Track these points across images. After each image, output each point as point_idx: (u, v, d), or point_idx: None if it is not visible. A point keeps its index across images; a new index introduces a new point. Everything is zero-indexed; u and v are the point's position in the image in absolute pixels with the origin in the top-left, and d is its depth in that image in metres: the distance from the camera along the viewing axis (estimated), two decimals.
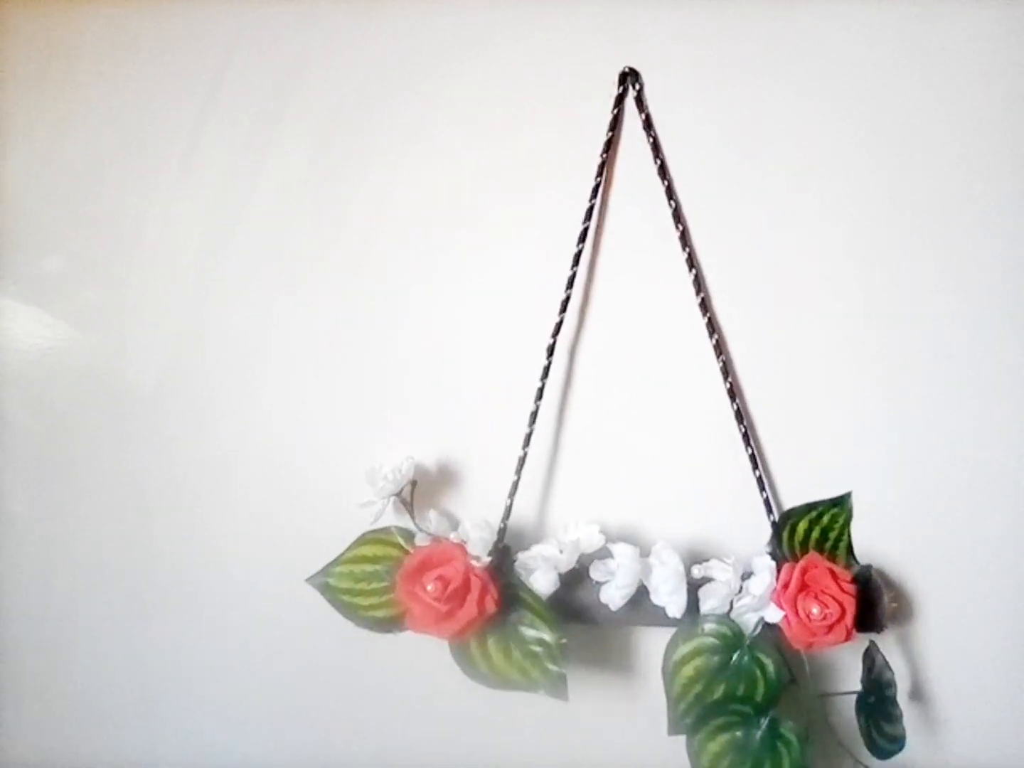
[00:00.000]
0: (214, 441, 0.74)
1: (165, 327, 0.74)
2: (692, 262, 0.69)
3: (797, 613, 0.64)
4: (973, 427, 0.70)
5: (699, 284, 0.69)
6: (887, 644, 0.70)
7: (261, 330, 0.73)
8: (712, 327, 0.69)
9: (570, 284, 0.69)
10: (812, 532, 0.68)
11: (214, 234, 0.73)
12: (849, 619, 0.64)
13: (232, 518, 0.74)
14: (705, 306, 0.69)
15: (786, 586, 0.65)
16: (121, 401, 0.75)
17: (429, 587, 0.63)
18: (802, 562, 0.65)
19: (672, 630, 0.67)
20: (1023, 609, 0.71)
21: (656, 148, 0.68)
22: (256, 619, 0.74)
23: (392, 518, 0.70)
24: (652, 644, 0.70)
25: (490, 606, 0.64)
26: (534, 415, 0.69)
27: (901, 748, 0.66)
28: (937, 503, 0.71)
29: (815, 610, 0.64)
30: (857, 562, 0.68)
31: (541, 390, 0.69)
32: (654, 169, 0.68)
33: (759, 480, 0.69)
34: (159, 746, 0.78)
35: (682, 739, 0.66)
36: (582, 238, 0.68)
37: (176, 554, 0.75)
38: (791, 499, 0.70)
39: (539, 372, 0.69)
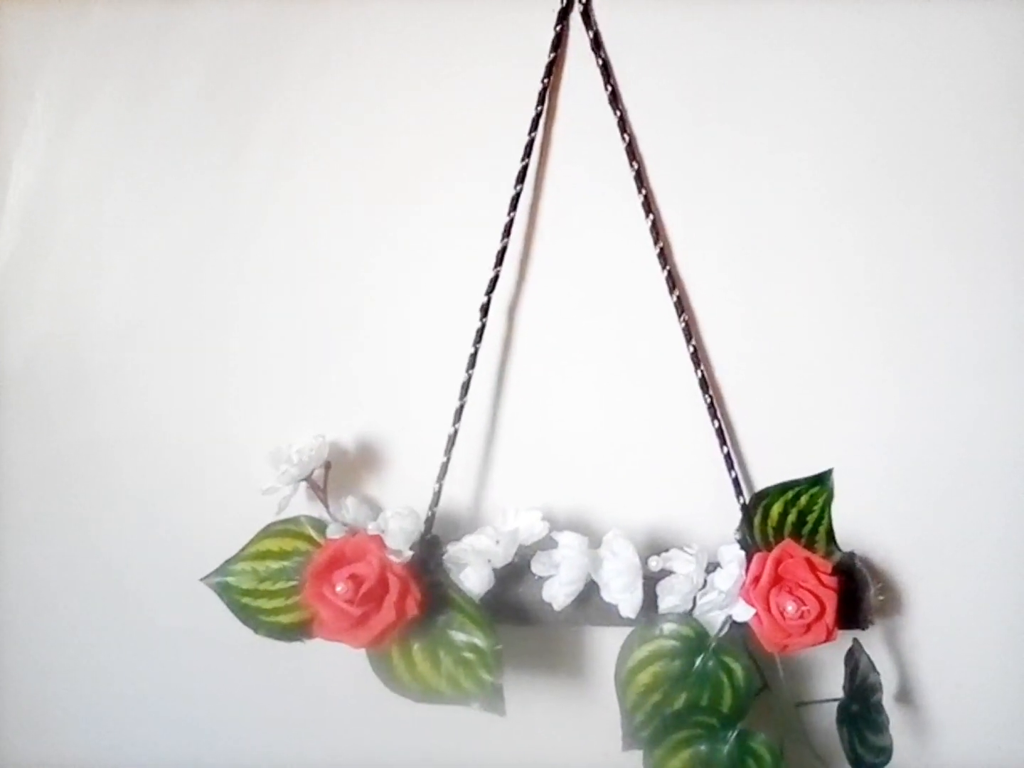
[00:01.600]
0: (93, 422, 0.65)
1: (37, 296, 0.65)
2: (649, 206, 0.59)
3: (770, 611, 0.56)
4: (967, 400, 0.62)
5: (657, 232, 0.59)
6: (872, 641, 0.63)
7: (145, 296, 0.64)
8: (673, 282, 0.60)
9: (507, 232, 0.59)
10: (788, 515, 0.60)
11: (94, 195, 0.64)
12: (830, 617, 0.56)
13: (115, 509, 0.65)
14: (664, 258, 0.59)
15: (757, 579, 0.56)
16: None
17: (339, 588, 0.54)
18: (775, 551, 0.57)
19: (627, 631, 0.59)
20: (1022, 599, 0.63)
21: (607, 72, 0.58)
22: (145, 625, 0.66)
23: (304, 506, 0.61)
24: (604, 647, 0.62)
25: (411, 609, 0.55)
26: (466, 386, 0.60)
27: (887, 761, 0.59)
28: (928, 482, 0.63)
29: (790, 607, 0.55)
30: (839, 549, 0.61)
31: (474, 357, 0.60)
32: (604, 97, 0.58)
33: (727, 457, 0.61)
34: None
35: (639, 755, 0.58)
36: (520, 178, 0.59)
37: (49, 551, 0.66)
38: (764, 479, 0.62)
39: (472, 336, 0.60)
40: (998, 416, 0.62)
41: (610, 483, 0.63)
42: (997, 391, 0.62)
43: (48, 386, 0.65)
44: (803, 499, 0.61)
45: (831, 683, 0.61)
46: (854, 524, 0.62)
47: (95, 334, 0.65)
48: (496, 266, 0.59)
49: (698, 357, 0.60)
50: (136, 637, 0.67)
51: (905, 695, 0.65)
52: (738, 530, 0.60)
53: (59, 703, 0.70)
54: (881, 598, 0.61)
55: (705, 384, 0.60)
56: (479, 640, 0.56)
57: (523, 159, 0.59)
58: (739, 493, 0.61)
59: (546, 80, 0.59)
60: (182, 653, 0.66)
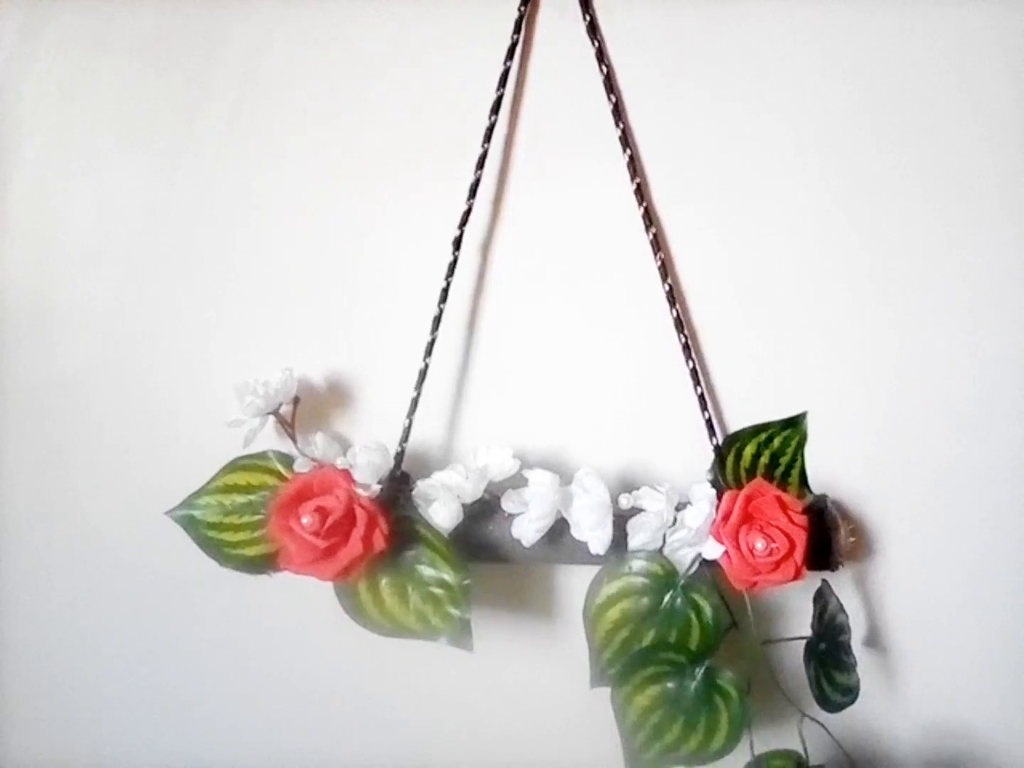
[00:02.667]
0: (58, 356, 0.63)
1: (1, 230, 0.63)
2: (627, 140, 0.58)
3: (739, 548, 0.56)
4: (943, 346, 0.62)
5: (635, 167, 0.58)
6: (841, 584, 0.62)
7: (111, 230, 0.62)
8: (649, 218, 0.58)
9: (480, 164, 0.58)
10: (761, 458, 0.60)
11: (58, 125, 0.62)
12: (799, 555, 0.55)
13: (81, 444, 0.64)
14: (641, 193, 0.58)
15: (727, 517, 0.56)
16: None
17: (306, 520, 0.53)
18: (746, 489, 0.57)
19: (596, 570, 0.58)
20: (993, 547, 0.64)
21: None
22: (113, 559, 0.65)
23: (273, 443, 0.60)
24: (573, 585, 0.61)
25: (379, 542, 0.54)
26: (437, 320, 0.58)
27: (854, 700, 0.59)
28: (902, 428, 0.63)
29: (760, 544, 0.55)
30: (811, 492, 0.60)
31: (446, 291, 0.58)
32: (583, 26, 0.57)
33: (701, 398, 0.60)
34: None
35: (606, 692, 0.58)
36: (495, 108, 0.57)
37: (15, 486, 0.65)
38: (737, 421, 0.61)
39: (444, 270, 0.58)
40: (974, 363, 0.62)
41: (582, 422, 0.62)
42: (973, 338, 0.62)
43: (13, 321, 0.63)
44: (776, 441, 0.60)
45: (799, 624, 0.61)
46: (827, 468, 0.62)
47: (60, 269, 0.63)
48: (469, 199, 0.58)
49: (674, 296, 0.59)
50: (102, 572, 0.66)
51: (874, 639, 0.65)
52: (710, 471, 0.60)
53: (22, 637, 0.69)
54: (851, 540, 0.60)
55: (680, 324, 0.60)
56: (448, 575, 0.56)
57: (497, 88, 0.57)
58: (712, 434, 0.60)
59: (522, 8, 0.57)
60: (148, 588, 0.65)
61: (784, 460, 0.61)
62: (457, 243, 0.58)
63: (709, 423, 0.60)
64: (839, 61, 0.59)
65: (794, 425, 0.60)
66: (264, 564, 0.56)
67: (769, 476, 0.60)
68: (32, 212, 0.63)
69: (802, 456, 0.60)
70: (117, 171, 0.62)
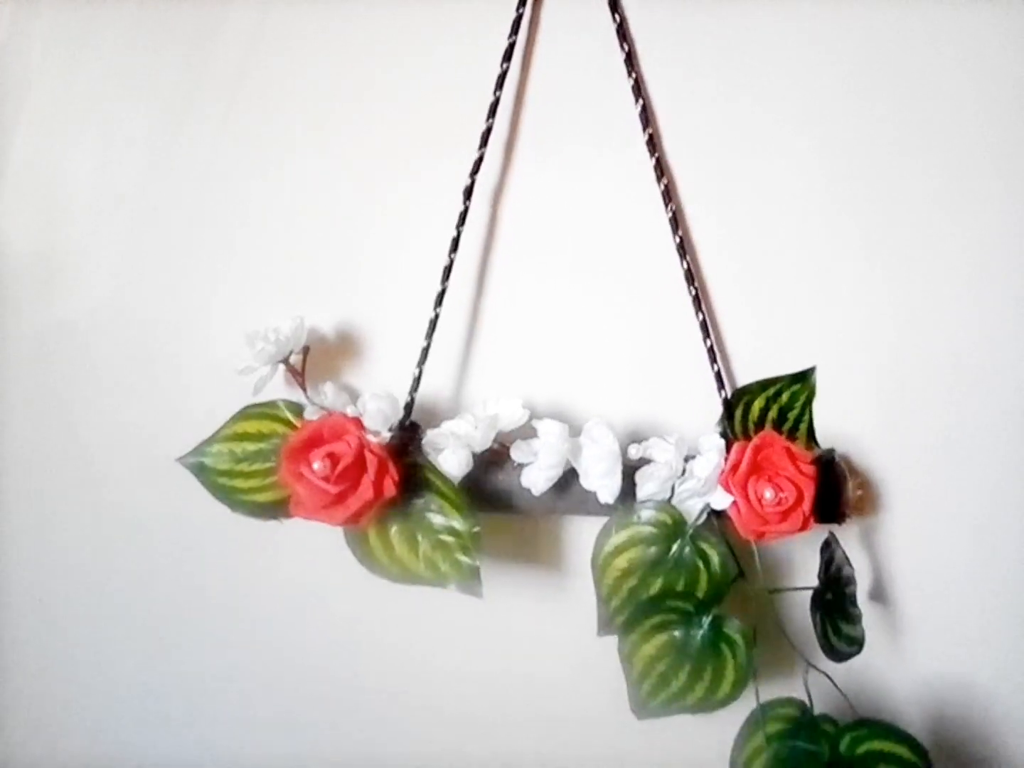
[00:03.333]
0: (66, 305, 0.63)
1: (6, 177, 0.63)
2: (639, 90, 0.58)
3: (748, 498, 0.56)
4: (952, 303, 0.62)
5: (647, 117, 0.58)
6: (848, 539, 0.63)
7: (119, 176, 0.62)
8: (661, 169, 0.58)
9: (492, 113, 0.57)
10: (769, 412, 0.60)
11: (64, 70, 0.61)
12: (807, 505, 0.56)
13: (91, 392, 0.65)
14: (653, 144, 0.58)
15: (736, 467, 0.56)
16: None
17: (316, 465, 0.53)
18: (755, 440, 0.57)
19: (604, 520, 0.59)
20: (998, 505, 0.64)
21: None
22: (122, 506, 0.65)
23: (283, 392, 0.60)
24: (582, 536, 0.61)
25: (389, 488, 0.54)
26: (448, 270, 0.58)
27: (859, 651, 0.59)
28: (911, 385, 0.63)
29: (768, 494, 0.55)
30: (819, 446, 0.60)
31: (456, 240, 0.58)
32: None
33: (710, 351, 0.60)
34: None
35: (613, 641, 0.58)
36: (507, 56, 0.57)
37: (24, 435, 0.65)
38: (747, 374, 0.61)
39: (455, 219, 0.58)
40: (982, 320, 0.62)
41: (592, 374, 0.62)
42: (983, 294, 0.61)
43: (22, 271, 0.64)
44: (785, 396, 0.60)
45: (806, 576, 0.61)
46: (835, 423, 0.62)
47: (67, 219, 0.64)
48: (480, 148, 0.58)
49: (684, 248, 0.59)
50: (111, 521, 0.67)
51: (879, 593, 0.65)
52: (719, 423, 0.60)
53: (27, 586, 0.70)
54: (859, 493, 0.61)
55: (691, 276, 0.59)
56: (457, 523, 0.56)
57: (509, 36, 0.57)
58: (721, 387, 0.61)
59: None
60: (157, 536, 0.66)
61: (792, 415, 0.61)
62: (468, 192, 0.58)
63: (718, 376, 0.60)
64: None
65: (803, 380, 0.60)
66: (275, 510, 0.57)
67: (777, 430, 0.60)
68: (39, 164, 0.63)
69: (810, 411, 0.60)
70: (124, 121, 0.62)
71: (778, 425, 0.60)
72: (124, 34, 0.61)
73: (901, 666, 0.66)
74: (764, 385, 0.60)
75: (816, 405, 0.60)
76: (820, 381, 0.60)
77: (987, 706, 0.66)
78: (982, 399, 0.63)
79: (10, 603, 0.70)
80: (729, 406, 0.60)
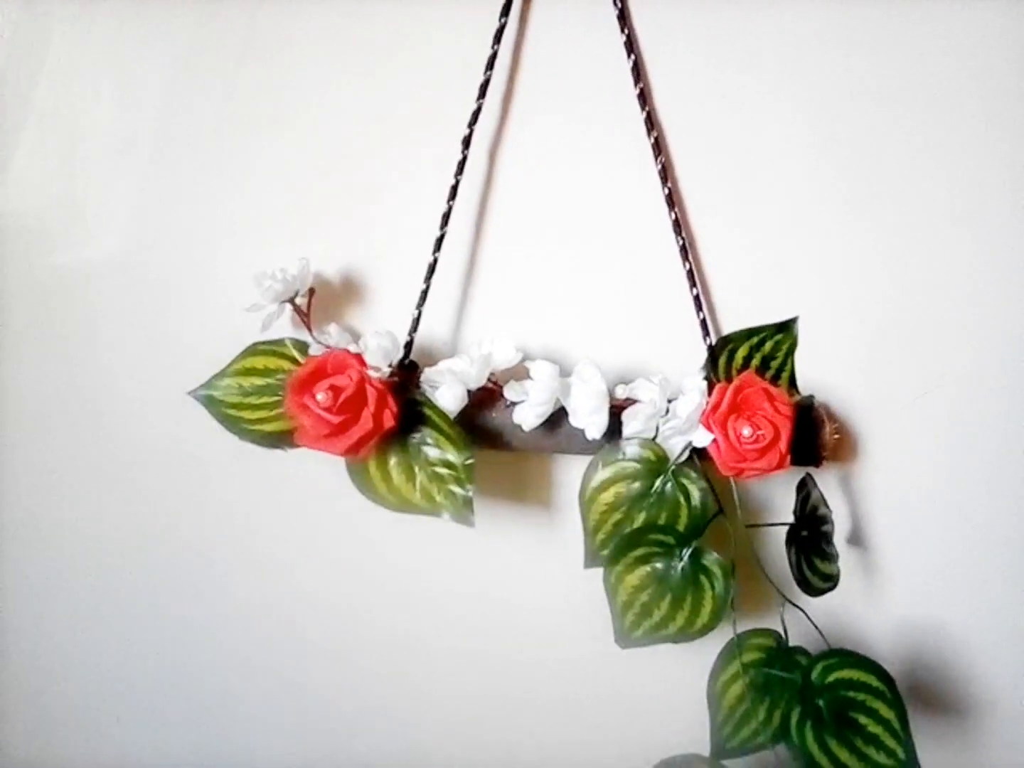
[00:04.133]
0: (79, 245, 0.67)
1: (28, 118, 0.66)
2: (631, 47, 0.60)
3: (727, 436, 0.59)
4: (932, 255, 0.63)
5: (638, 72, 0.60)
6: (828, 485, 0.66)
7: (135, 120, 0.65)
8: (651, 123, 0.61)
9: (490, 65, 0.60)
10: (752, 360, 0.62)
11: (84, 15, 0.64)
12: (784, 443, 0.58)
13: (105, 329, 0.68)
14: (644, 99, 0.60)
15: (717, 407, 0.59)
16: None
17: (320, 397, 0.56)
18: (736, 381, 0.59)
19: (592, 457, 0.61)
20: (973, 454, 0.66)
21: None
22: (136, 438, 0.69)
23: (289, 332, 0.63)
24: (570, 473, 0.65)
25: (388, 420, 0.58)
26: (446, 216, 0.61)
27: (834, 586, 0.62)
28: (892, 336, 0.65)
29: (747, 431, 0.58)
30: (800, 393, 0.63)
31: (455, 188, 0.61)
32: None
33: (696, 300, 0.62)
34: None
35: (599, 572, 0.61)
36: (505, 10, 0.59)
37: (48, 370, 0.69)
38: (732, 323, 0.64)
39: (453, 168, 0.61)
40: (961, 271, 0.63)
41: (583, 319, 0.65)
42: (962, 246, 0.63)
43: (39, 214, 0.67)
44: (768, 345, 0.63)
45: (784, 516, 0.63)
46: (816, 372, 0.64)
47: (85, 165, 0.67)
48: (479, 99, 0.60)
49: (672, 199, 0.62)
50: (125, 450, 0.70)
51: (856, 537, 0.68)
52: (703, 368, 0.63)
53: (42, 511, 0.74)
54: (836, 437, 0.63)
55: (678, 226, 0.62)
56: (452, 455, 0.59)
57: None
58: (706, 334, 0.63)
59: None
60: (169, 468, 0.70)
61: (775, 363, 0.63)
62: (467, 142, 0.61)
63: (703, 323, 0.63)
64: None
65: (785, 330, 0.62)
66: (280, 439, 0.60)
67: (760, 377, 0.62)
68: (56, 115, 0.66)
69: (792, 360, 0.63)
70: (137, 73, 0.65)
71: (761, 372, 0.62)
72: None
73: (876, 607, 0.69)
74: (748, 334, 0.62)
75: (798, 354, 0.62)
76: (803, 331, 0.62)
77: (959, 646, 0.69)
78: (960, 352, 0.65)
79: (18, 535, 0.74)
80: (713, 353, 0.62)
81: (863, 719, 0.59)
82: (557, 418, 0.61)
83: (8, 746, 0.79)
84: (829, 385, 0.65)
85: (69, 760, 0.80)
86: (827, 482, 0.66)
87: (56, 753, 0.80)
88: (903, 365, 0.65)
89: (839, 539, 0.66)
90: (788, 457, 0.59)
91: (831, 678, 0.60)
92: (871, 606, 0.69)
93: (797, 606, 0.63)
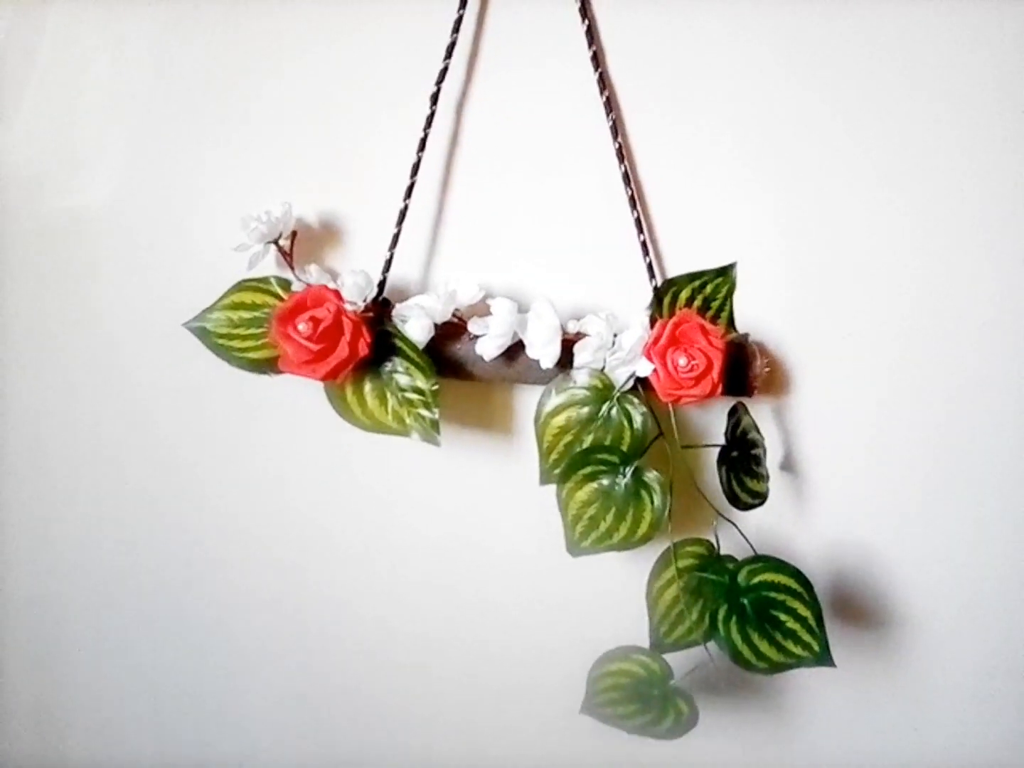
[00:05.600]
0: (85, 189, 0.73)
1: (30, 81, 0.71)
2: (585, 11, 0.65)
3: (666, 365, 0.65)
4: (862, 206, 0.69)
5: (591, 34, 0.66)
6: (763, 417, 0.72)
7: (126, 77, 0.71)
8: (603, 82, 0.66)
9: (456, 28, 0.65)
10: (694, 301, 0.68)
11: None
12: (716, 372, 0.65)
13: (109, 267, 0.74)
14: (597, 60, 0.66)
15: (657, 340, 0.66)
16: None
17: (301, 327, 0.63)
18: (675, 318, 0.66)
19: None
20: (897, 388, 0.72)
21: None
22: (129, 373, 0.76)
23: (273, 271, 0.69)
24: (527, 400, 0.71)
25: (363, 349, 0.64)
26: (416, 167, 0.67)
27: (762, 502, 0.68)
28: (822, 280, 0.70)
29: (682, 361, 0.64)
30: (737, 332, 0.69)
31: (424, 141, 0.67)
32: None
33: (643, 245, 0.68)
34: None
35: (553, 489, 0.67)
36: None
37: (48, 304, 0.75)
38: (676, 267, 0.70)
39: (423, 123, 0.67)
40: (886, 218, 0.68)
41: (540, 263, 0.71)
42: (891, 195, 0.68)
43: (44, 159, 0.73)
44: (708, 288, 0.68)
45: (718, 439, 0.69)
46: (753, 312, 0.70)
47: (83, 115, 0.72)
48: (445, 59, 0.66)
49: (622, 153, 0.68)
50: (122, 381, 0.77)
51: (788, 464, 0.74)
52: (648, 308, 0.69)
53: (45, 442, 0.80)
54: (767, 370, 0.69)
55: (628, 178, 0.68)
56: (420, 382, 0.66)
57: None
58: (652, 277, 0.69)
59: None
60: (163, 398, 0.77)
61: (715, 304, 0.68)
62: (434, 99, 0.66)
63: (650, 267, 0.69)
64: None
65: (725, 274, 0.67)
66: (266, 366, 0.67)
67: (698, 315, 0.68)
68: (58, 70, 0.72)
69: (730, 301, 0.68)
70: (134, 30, 0.70)
71: (701, 313, 0.68)
72: None
73: (805, 527, 0.75)
74: (691, 277, 0.68)
75: (737, 297, 0.68)
76: (741, 276, 0.67)
77: (879, 563, 0.75)
78: (884, 296, 0.70)
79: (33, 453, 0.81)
80: (658, 294, 0.68)
81: (783, 616, 0.66)
82: (515, 350, 0.67)
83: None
84: (765, 325, 0.71)
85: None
86: (762, 414, 0.72)
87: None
88: (833, 307, 0.71)
89: (773, 466, 0.72)
90: (720, 385, 0.65)
91: (755, 580, 0.67)
92: (800, 526, 0.75)
93: (729, 520, 0.70)
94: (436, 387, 0.65)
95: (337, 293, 0.65)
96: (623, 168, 0.68)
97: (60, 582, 0.83)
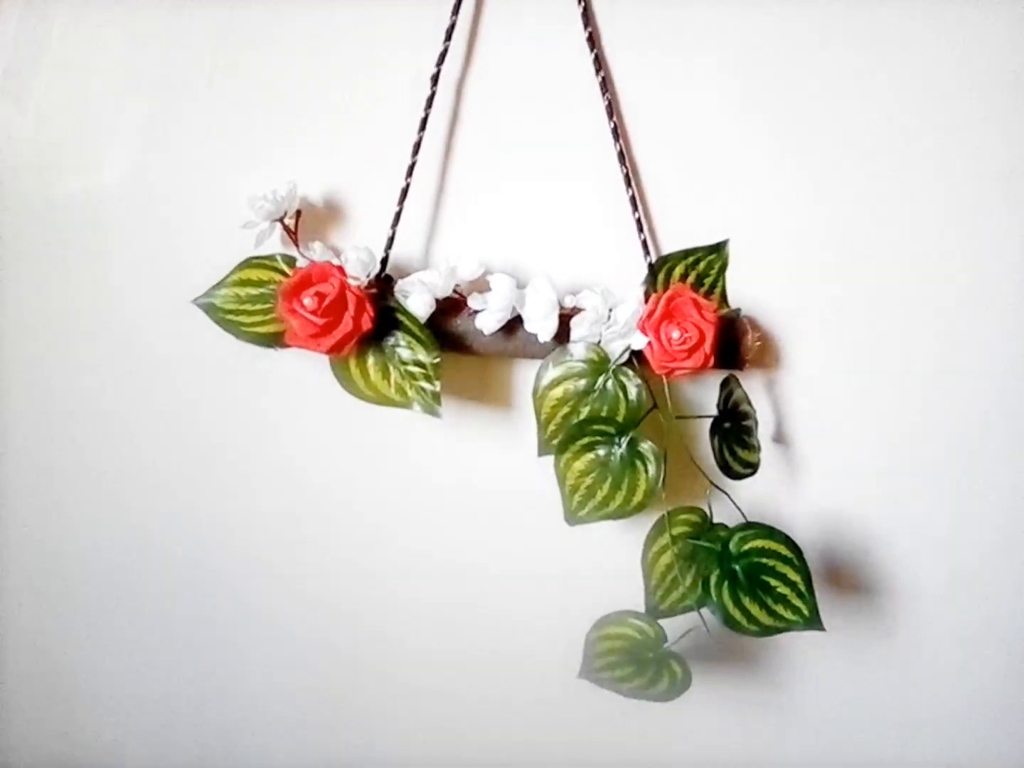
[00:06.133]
0: (100, 171, 0.74)
1: (45, 65, 0.73)
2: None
3: (660, 338, 0.67)
4: (850, 186, 0.71)
5: (587, 18, 0.68)
6: (755, 390, 0.74)
7: (137, 64, 0.73)
8: (599, 63, 0.68)
9: (456, 11, 0.67)
10: (688, 277, 0.70)
11: None
12: (708, 345, 0.67)
13: (120, 248, 0.76)
14: (593, 41, 0.68)
15: (651, 314, 0.68)
16: None
17: (307, 301, 0.65)
18: (668, 292, 0.68)
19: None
20: (885, 364, 0.74)
21: None
22: (140, 349, 0.78)
23: (279, 249, 0.71)
24: (525, 373, 0.73)
25: (366, 323, 0.66)
26: (417, 146, 0.69)
27: (753, 472, 0.71)
28: (812, 258, 0.72)
29: (676, 334, 0.67)
30: (729, 307, 0.71)
31: (425, 120, 0.69)
32: None
33: (638, 222, 0.70)
34: None
35: (551, 460, 0.69)
36: None
37: (63, 285, 0.77)
38: (670, 244, 0.72)
39: (424, 103, 0.69)
40: (882, 194, 0.70)
41: (539, 240, 0.72)
42: (885, 170, 0.70)
43: (58, 143, 0.75)
44: (702, 264, 0.70)
45: (711, 411, 0.71)
46: (746, 288, 0.72)
47: (95, 98, 0.74)
48: (445, 41, 0.68)
49: (618, 133, 0.69)
50: (134, 355, 0.79)
51: (780, 437, 0.76)
52: (643, 283, 0.71)
53: (63, 409, 0.82)
54: (758, 344, 0.71)
55: (623, 157, 0.70)
56: (422, 355, 0.68)
57: None
58: (647, 253, 0.71)
59: None
60: (176, 375, 0.79)
61: (708, 281, 0.71)
62: (435, 79, 0.68)
63: (644, 244, 0.71)
64: None
65: (718, 250, 0.70)
66: (273, 340, 0.69)
67: (691, 290, 0.70)
68: (72, 54, 0.73)
69: (723, 278, 0.70)
70: (145, 16, 0.72)
71: (695, 289, 0.70)
72: None
73: (796, 497, 0.77)
74: (685, 254, 0.70)
75: (730, 273, 0.70)
76: (734, 252, 0.70)
77: (868, 532, 0.78)
78: (872, 271, 0.72)
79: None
80: (653, 270, 0.71)
81: (773, 581, 0.69)
82: (514, 325, 0.70)
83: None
84: (757, 300, 0.73)
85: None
86: (754, 387, 0.74)
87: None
88: (823, 283, 0.73)
89: (765, 437, 0.74)
90: (712, 358, 0.67)
91: (747, 547, 0.69)
92: (792, 496, 0.77)
93: (722, 490, 0.72)
94: (437, 360, 0.67)
95: (341, 269, 0.67)
96: (618, 147, 0.69)
97: (69, 566, 0.86)
